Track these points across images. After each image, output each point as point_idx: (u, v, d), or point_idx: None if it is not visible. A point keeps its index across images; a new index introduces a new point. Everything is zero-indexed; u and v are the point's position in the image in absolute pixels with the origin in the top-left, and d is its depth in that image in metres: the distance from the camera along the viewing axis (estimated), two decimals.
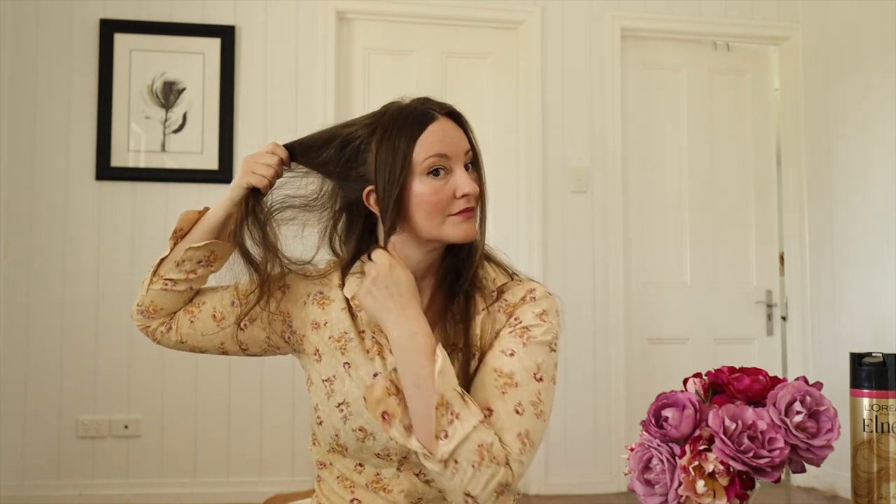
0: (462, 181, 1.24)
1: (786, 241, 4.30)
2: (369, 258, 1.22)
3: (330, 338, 1.30)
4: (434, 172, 1.23)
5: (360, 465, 1.29)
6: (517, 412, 1.16)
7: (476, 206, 1.27)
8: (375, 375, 1.26)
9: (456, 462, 1.10)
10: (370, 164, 1.25)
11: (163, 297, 1.36)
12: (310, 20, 3.90)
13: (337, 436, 1.28)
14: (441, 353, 1.13)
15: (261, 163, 1.32)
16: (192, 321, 1.38)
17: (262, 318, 1.35)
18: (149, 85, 3.78)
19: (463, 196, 1.24)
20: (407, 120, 1.24)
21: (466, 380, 1.23)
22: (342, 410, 1.27)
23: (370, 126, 1.27)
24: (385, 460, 1.27)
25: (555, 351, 1.28)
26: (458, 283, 1.29)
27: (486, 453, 1.10)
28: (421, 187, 1.23)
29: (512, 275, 1.33)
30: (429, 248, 1.28)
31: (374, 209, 1.27)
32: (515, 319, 1.27)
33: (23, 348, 3.63)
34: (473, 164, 1.29)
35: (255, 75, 3.86)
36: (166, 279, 1.35)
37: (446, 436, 1.10)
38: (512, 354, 1.22)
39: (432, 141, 1.23)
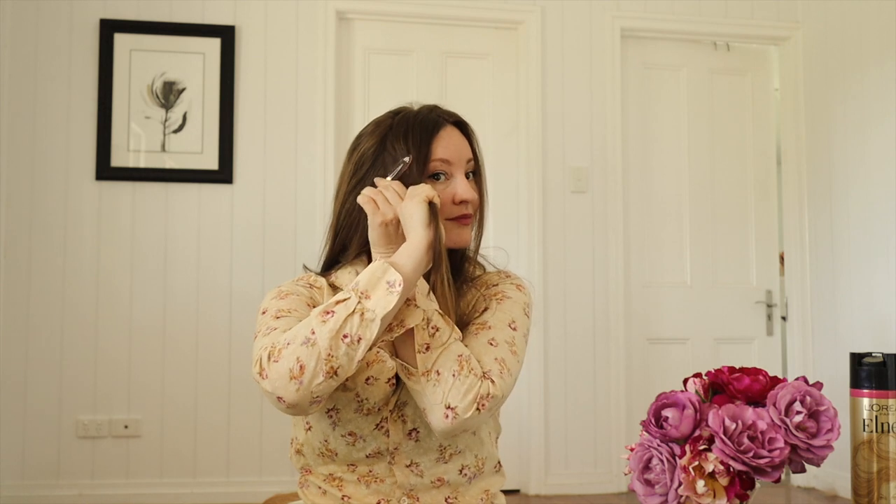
0: (461, 187, 1.28)
1: (786, 241, 4.30)
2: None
3: None
4: (435, 176, 1.28)
5: (352, 465, 1.30)
6: (490, 344, 1.22)
7: (473, 214, 1.31)
8: (368, 380, 1.25)
9: (438, 373, 1.14)
10: (387, 162, 1.28)
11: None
12: (310, 20, 3.90)
13: (326, 441, 1.29)
14: (423, 281, 1.18)
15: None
16: None
17: None
18: (149, 85, 3.78)
19: (461, 202, 1.28)
20: (422, 124, 1.29)
21: None
22: (331, 417, 1.27)
23: (380, 128, 1.31)
24: (376, 458, 1.28)
25: (528, 317, 1.33)
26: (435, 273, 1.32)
27: (465, 363, 1.15)
28: None
29: (482, 266, 1.41)
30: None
31: None
32: (499, 292, 1.34)
33: (23, 348, 3.63)
34: (475, 173, 1.34)
35: (255, 75, 3.86)
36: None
37: (427, 348, 1.14)
38: (486, 309, 1.30)
39: (437, 146, 1.28)
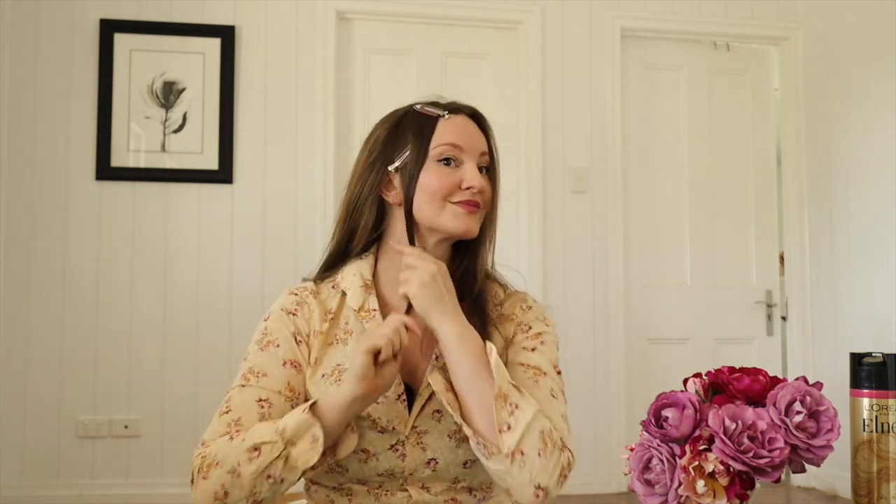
0: (471, 174, 1.23)
1: (786, 241, 4.30)
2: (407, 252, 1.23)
3: (324, 376, 1.25)
4: (445, 161, 1.23)
5: (362, 481, 1.25)
6: (553, 397, 1.20)
7: (482, 205, 1.25)
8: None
9: (522, 453, 1.09)
10: (396, 147, 1.25)
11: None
12: (310, 20, 3.90)
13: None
14: (493, 350, 1.15)
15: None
16: None
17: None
18: (149, 85, 3.78)
19: (468, 188, 1.22)
20: (432, 108, 1.27)
21: None
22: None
23: (395, 115, 1.29)
24: (388, 478, 1.24)
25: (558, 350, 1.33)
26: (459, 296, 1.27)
27: (548, 439, 1.11)
28: (428, 173, 1.23)
29: (504, 286, 1.36)
30: (432, 251, 1.26)
31: (389, 196, 1.27)
32: (525, 326, 1.30)
33: (23, 348, 3.63)
34: (489, 169, 1.28)
35: (255, 75, 3.86)
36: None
37: (509, 428, 1.10)
38: (534, 350, 1.27)
39: (448, 129, 1.24)
